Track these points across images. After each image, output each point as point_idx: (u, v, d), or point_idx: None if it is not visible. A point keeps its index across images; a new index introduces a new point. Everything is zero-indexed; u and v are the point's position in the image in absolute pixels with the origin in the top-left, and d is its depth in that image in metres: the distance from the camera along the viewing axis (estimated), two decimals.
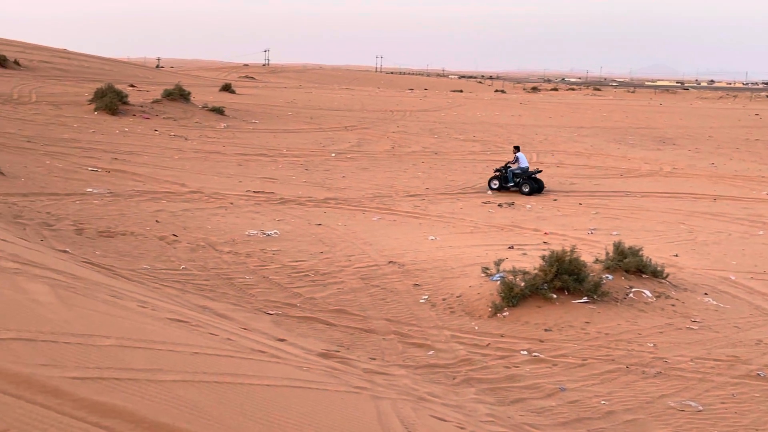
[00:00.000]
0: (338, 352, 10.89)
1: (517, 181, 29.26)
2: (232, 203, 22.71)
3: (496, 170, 30.31)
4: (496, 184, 29.54)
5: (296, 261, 16.34)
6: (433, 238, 19.40)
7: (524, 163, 29.86)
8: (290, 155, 34.47)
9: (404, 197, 26.26)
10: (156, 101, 43.59)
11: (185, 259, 15.74)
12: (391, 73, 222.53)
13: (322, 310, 13.35)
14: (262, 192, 24.98)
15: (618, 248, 15.15)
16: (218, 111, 43.80)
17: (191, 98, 45.21)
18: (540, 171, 30.68)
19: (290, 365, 8.17)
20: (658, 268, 14.92)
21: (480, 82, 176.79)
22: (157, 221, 19.01)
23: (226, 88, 60.03)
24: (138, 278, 13.36)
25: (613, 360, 11.61)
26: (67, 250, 14.60)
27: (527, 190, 28.97)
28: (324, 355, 10.27)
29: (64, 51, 69.81)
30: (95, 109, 39.50)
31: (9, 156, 26.15)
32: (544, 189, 29.40)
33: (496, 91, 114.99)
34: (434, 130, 46.07)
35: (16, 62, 51.54)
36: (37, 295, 7.64)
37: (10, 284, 7.94)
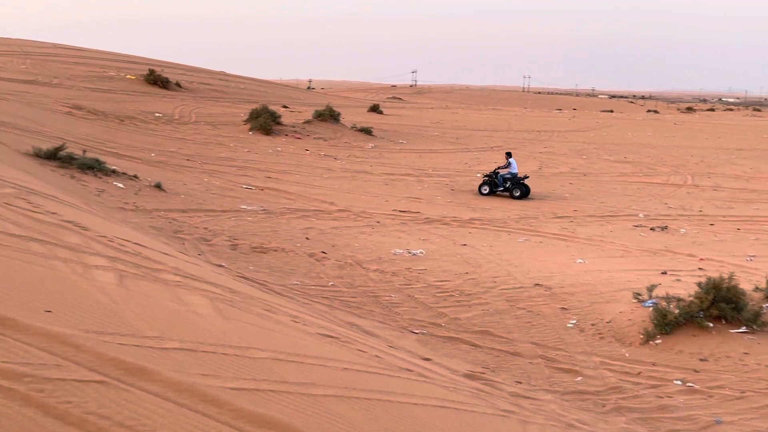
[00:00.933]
0: (484, 373, 10.82)
1: (507, 186, 30.73)
2: (378, 222, 23.00)
3: (486, 175, 31.67)
4: (486, 189, 31.00)
5: (441, 281, 16.37)
6: (582, 261, 19.00)
7: (515, 168, 31.31)
8: (436, 175, 34.63)
9: (551, 219, 25.86)
10: (307, 122, 44.80)
11: (333, 276, 16.05)
12: (539, 93, 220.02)
13: (467, 331, 13.30)
14: (408, 211, 25.19)
15: None
16: (366, 131, 44.58)
17: (341, 119, 46.22)
18: (527, 177, 31.93)
19: (437, 385, 8.17)
20: None
21: (631, 102, 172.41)
22: (307, 238, 19.47)
23: (374, 109, 60.96)
24: (289, 293, 13.71)
25: None
26: (223, 264, 15.16)
27: (518, 194, 30.60)
28: (470, 376, 10.23)
29: (222, 73, 72.66)
30: (250, 129, 41.00)
31: (170, 173, 27.47)
32: (530, 194, 30.98)
33: (649, 111, 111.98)
34: (583, 151, 45.23)
35: (177, 84, 54.09)
36: (197, 307, 7.96)
37: (172, 296, 8.30)
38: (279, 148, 38.04)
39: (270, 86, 75.32)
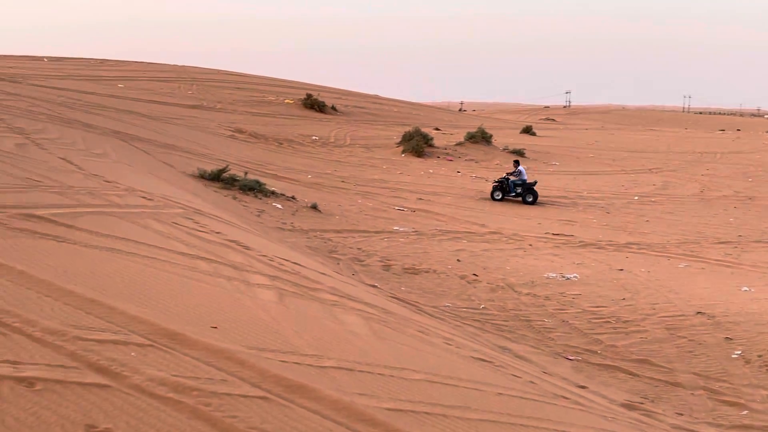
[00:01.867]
0: (643, 404, 10.46)
1: (519, 192, 31.69)
2: (530, 245, 22.71)
3: (497, 181, 32.48)
4: (499, 195, 31.87)
5: (597, 306, 15.97)
6: (747, 289, 18.07)
7: (524, 176, 32.23)
8: (590, 198, 33.89)
9: (713, 244, 24.74)
10: (459, 144, 44.91)
11: (485, 299, 15.94)
12: (700, 113, 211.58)
13: (624, 359, 12.89)
14: (562, 234, 24.74)
15: None
16: (519, 153, 44.18)
17: (492, 141, 46.05)
18: (536, 182, 32.86)
19: (594, 414, 7.96)
20: None
21: None
22: (458, 260, 19.45)
23: (527, 130, 60.39)
24: (441, 315, 13.73)
25: None
26: (376, 284, 15.34)
27: (530, 199, 31.89)
28: (628, 406, 9.91)
29: (376, 97, 73.90)
30: (402, 152, 41.46)
31: (325, 194, 28.11)
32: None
33: None
34: (748, 173, 43.09)
35: (333, 108, 55.39)
36: (353, 326, 8.09)
37: (329, 315, 8.48)
38: (431, 170, 38.27)
39: (422, 109, 76.01)
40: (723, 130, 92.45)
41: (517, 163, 33.95)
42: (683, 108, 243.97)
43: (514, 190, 31.96)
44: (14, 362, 4.84)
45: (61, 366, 4.96)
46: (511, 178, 32.27)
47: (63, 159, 17.16)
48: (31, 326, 5.54)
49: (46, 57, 60.08)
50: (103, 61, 63.16)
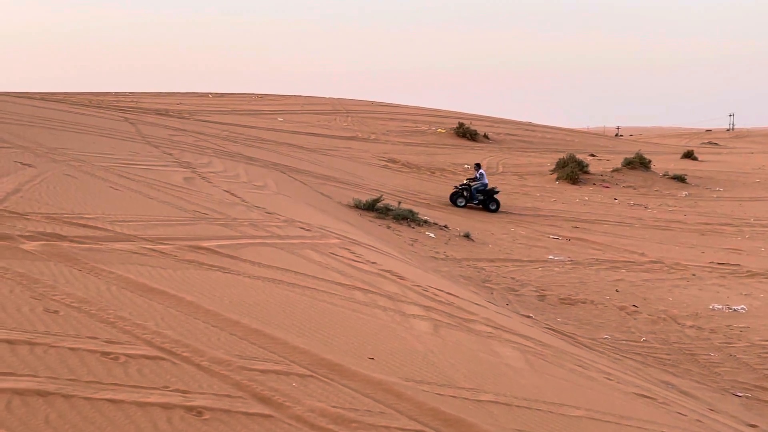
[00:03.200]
0: None
1: (481, 198, 30.73)
2: (694, 275, 21.79)
3: (458, 187, 31.52)
4: (462, 201, 30.91)
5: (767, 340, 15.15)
6: None
7: (485, 179, 31.11)
8: (758, 225, 32.22)
9: None
10: (616, 170, 43.81)
11: (645, 331, 15.41)
12: None
13: None
14: (728, 264, 23.61)
15: None
16: (679, 179, 42.64)
17: (651, 166, 44.69)
18: (498, 191, 32.29)
19: None
20: None
21: None
22: (616, 290, 18.92)
23: (688, 155, 58.20)
24: (599, 348, 13.37)
25: None
26: (531, 315, 15.13)
27: (494, 207, 31.27)
28: None
29: (528, 124, 73.39)
30: (557, 179, 40.88)
31: (478, 223, 28.02)
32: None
33: None
34: None
35: (485, 136, 55.37)
36: (509, 359, 8.00)
37: (485, 347, 8.42)
38: (586, 198, 37.51)
39: (576, 135, 74.74)
40: None
41: (478, 166, 33.29)
42: None
43: (477, 197, 31.34)
44: (184, 391, 5.05)
45: (228, 395, 5.14)
46: (473, 184, 31.51)
47: (227, 191, 17.90)
48: (199, 356, 5.78)
49: (211, 93, 63.06)
50: (263, 96, 65.71)
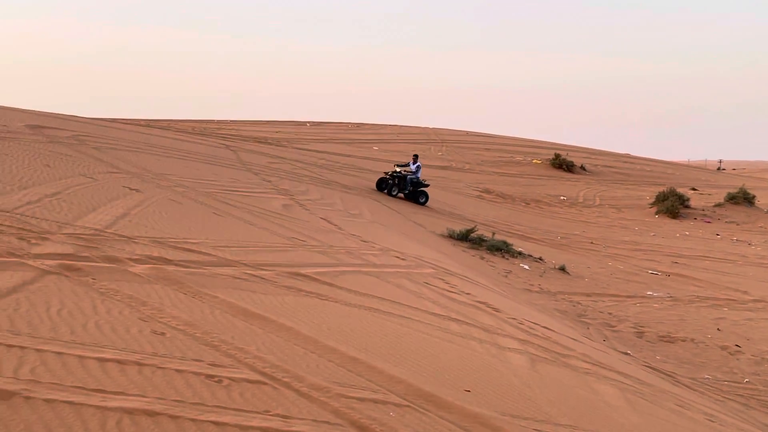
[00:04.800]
0: None
1: (411, 190, 29.78)
2: None
3: (390, 174, 30.31)
4: (395, 190, 29.84)
5: None
6: None
7: (419, 173, 30.03)
8: None
9: None
10: (718, 205, 42.65)
11: (748, 372, 14.89)
12: None
13: None
14: None
15: None
16: None
17: (755, 202, 43.33)
18: (428, 185, 31.55)
19: None
20: None
21: None
22: (718, 329, 18.35)
23: None
24: (700, 388, 12.98)
25: None
26: (629, 352, 14.80)
27: (423, 200, 30.81)
28: None
29: (627, 156, 72.00)
30: (656, 213, 40.02)
31: (573, 256, 27.60)
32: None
33: None
34: None
35: (582, 167, 54.56)
36: (607, 397, 7.86)
37: (582, 384, 8.29)
38: (687, 232, 36.56)
39: (677, 168, 72.95)
40: None
41: (416, 158, 31.95)
42: None
43: (408, 188, 30.46)
44: (284, 416, 5.13)
45: (326, 422, 5.20)
46: (406, 171, 30.81)
47: (324, 219, 18.15)
48: (298, 381, 5.87)
49: (309, 122, 64.05)
50: (359, 125, 66.37)
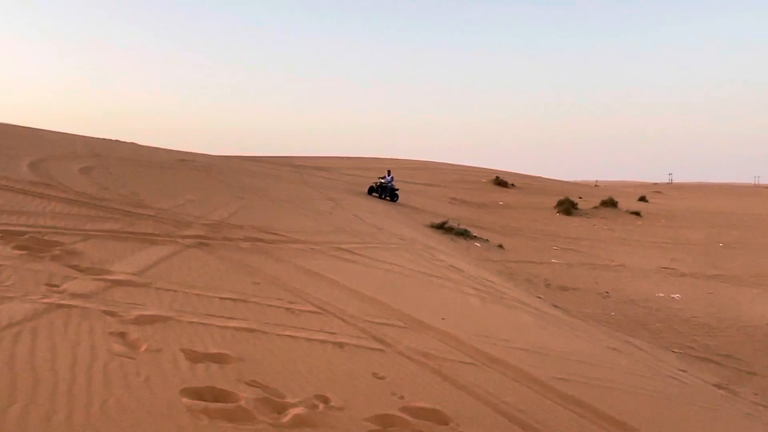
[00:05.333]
0: (728, 385, 9.21)
1: (389, 193, 28.34)
2: (646, 275, 20.83)
3: (375, 184, 29.03)
4: (376, 194, 28.38)
5: (694, 317, 14.32)
6: None
7: (393, 183, 28.84)
8: (687, 244, 30.55)
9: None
10: (595, 207, 42.29)
11: (614, 309, 14.81)
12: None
13: (714, 354, 11.42)
14: (668, 268, 22.48)
15: None
16: (636, 213, 40.81)
17: (618, 205, 43.01)
18: (398, 189, 29.68)
19: (695, 389, 7.13)
20: None
21: None
22: (596, 283, 18.25)
23: (642, 198, 55.52)
24: (584, 318, 12.91)
25: None
26: (540, 296, 14.72)
27: (395, 199, 28.59)
28: (718, 386, 8.77)
29: (540, 177, 71.55)
30: (558, 212, 39.73)
31: (507, 239, 27.38)
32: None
33: None
34: None
35: (512, 184, 54.11)
36: (527, 322, 7.83)
37: (512, 314, 8.25)
38: (576, 224, 36.27)
39: (569, 184, 72.49)
40: None
41: (389, 172, 30.57)
42: (755, 184, 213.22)
43: (385, 193, 28.86)
44: (332, 332, 5.15)
45: (357, 336, 5.22)
46: (381, 181, 29.09)
47: (354, 215, 18.12)
48: (340, 312, 5.88)
49: (348, 156, 63.85)
50: (378, 159, 66.16)
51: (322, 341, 4.82)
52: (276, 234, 9.96)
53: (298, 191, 21.86)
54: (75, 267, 5.24)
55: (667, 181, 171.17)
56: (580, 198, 50.79)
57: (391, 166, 59.89)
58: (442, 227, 24.42)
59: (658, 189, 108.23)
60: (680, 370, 9.26)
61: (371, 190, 30.11)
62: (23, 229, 6.23)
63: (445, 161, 73.24)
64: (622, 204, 45.66)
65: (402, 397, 3.97)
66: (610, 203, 43.09)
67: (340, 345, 4.82)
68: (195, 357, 3.82)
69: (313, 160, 56.52)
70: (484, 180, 55.54)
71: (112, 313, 4.27)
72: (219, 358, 3.91)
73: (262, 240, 8.98)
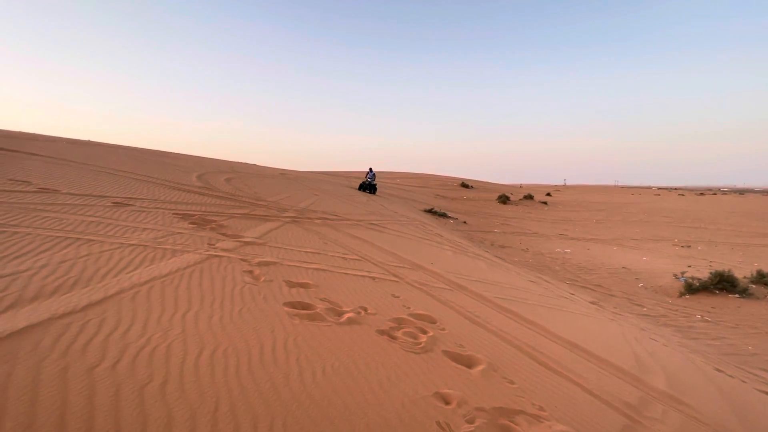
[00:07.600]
0: (598, 302, 9.03)
1: (371, 188, 23.10)
2: (549, 238, 20.35)
3: (363, 182, 23.58)
4: (362, 188, 23.07)
5: (578, 263, 13.98)
6: (646, 259, 14.94)
7: (374, 179, 23.81)
8: (577, 220, 29.70)
9: (630, 240, 20.72)
10: (520, 199, 41.48)
11: (531, 258, 14.56)
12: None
13: (590, 284, 11.17)
14: (563, 234, 21.92)
15: (759, 273, 10.07)
16: (544, 203, 39.81)
17: (533, 198, 42.07)
18: (376, 184, 24.01)
19: (577, 305, 6.99)
20: None
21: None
22: (520, 243, 17.91)
23: (548, 194, 54.43)
24: (512, 264, 12.74)
25: (755, 327, 7.71)
26: (488, 251, 14.54)
27: (375, 192, 23.16)
28: (593, 303, 8.61)
29: (487, 181, 69.84)
30: (498, 202, 39.06)
31: (470, 218, 26.93)
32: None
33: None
34: (650, 211, 35.62)
35: (472, 187, 53.29)
36: (481, 265, 7.65)
37: (473, 261, 8.06)
38: (508, 209, 35.63)
39: (504, 186, 70.80)
40: (658, 195, 77.07)
41: (371, 169, 24.92)
42: (618, 186, 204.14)
43: (368, 187, 23.54)
44: (369, 270, 5.11)
45: (383, 273, 5.17)
46: (368, 180, 23.95)
47: (381, 205, 17.98)
48: (371, 259, 5.80)
49: (399, 177, 62.93)
50: (396, 172, 65.11)
51: (363, 276, 4.83)
52: (335, 215, 9.96)
53: (348, 191, 21.82)
54: (223, 234, 5.34)
55: (563, 183, 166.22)
56: (511, 194, 49.78)
57: (399, 177, 59.04)
58: (431, 212, 24.16)
59: (557, 188, 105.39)
60: (570, 293, 9.11)
61: (360, 188, 24.96)
62: (194, 212, 6.36)
63: (432, 173, 72.08)
64: (536, 197, 44.62)
65: (409, 308, 4.00)
66: (528, 197, 42.20)
67: (373, 278, 4.81)
68: (291, 284, 3.89)
69: (358, 173, 56.05)
70: (455, 184, 54.66)
71: (244, 260, 4.35)
72: (305, 285, 3.97)
73: (327, 219, 8.97)
